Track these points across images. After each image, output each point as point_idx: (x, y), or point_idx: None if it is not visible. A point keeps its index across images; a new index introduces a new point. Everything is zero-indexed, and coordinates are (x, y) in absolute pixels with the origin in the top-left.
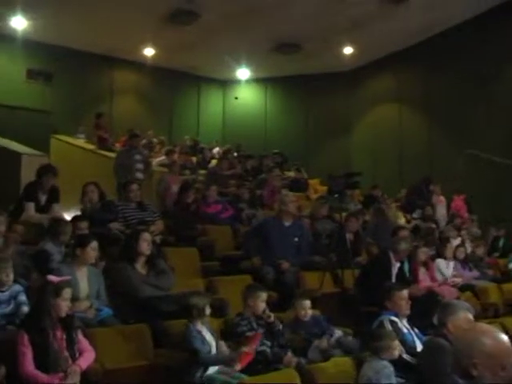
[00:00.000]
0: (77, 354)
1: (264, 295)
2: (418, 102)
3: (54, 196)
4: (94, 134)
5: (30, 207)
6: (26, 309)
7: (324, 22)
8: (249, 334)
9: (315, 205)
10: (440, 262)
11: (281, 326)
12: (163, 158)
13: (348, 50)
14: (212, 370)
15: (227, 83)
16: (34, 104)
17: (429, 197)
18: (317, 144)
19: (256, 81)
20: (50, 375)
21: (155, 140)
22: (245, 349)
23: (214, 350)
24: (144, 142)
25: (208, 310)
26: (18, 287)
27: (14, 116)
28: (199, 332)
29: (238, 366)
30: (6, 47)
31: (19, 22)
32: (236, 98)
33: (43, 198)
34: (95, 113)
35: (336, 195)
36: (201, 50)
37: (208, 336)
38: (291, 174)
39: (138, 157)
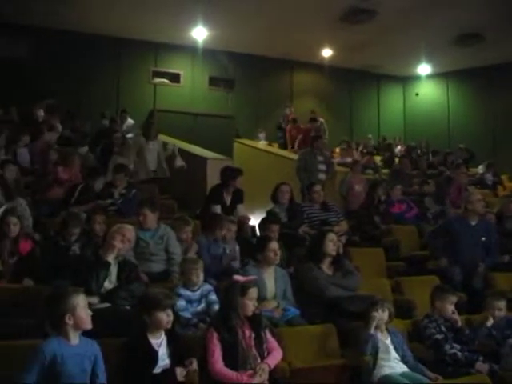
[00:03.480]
0: (265, 353)
1: (453, 298)
2: None
3: (238, 197)
4: (289, 138)
5: (217, 209)
6: (216, 307)
7: (507, 7)
8: (437, 336)
9: (504, 202)
10: None
11: (468, 331)
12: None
13: None
14: (389, 370)
15: (407, 80)
16: (217, 110)
17: None
18: (505, 138)
19: (437, 75)
20: (239, 372)
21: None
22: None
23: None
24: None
25: (381, 315)
26: (208, 286)
27: (198, 122)
28: (371, 336)
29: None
30: (188, 57)
31: (200, 33)
32: (417, 95)
33: (228, 200)
34: (292, 118)
35: None
36: (379, 48)
37: (387, 341)
38: (478, 170)
39: (320, 158)
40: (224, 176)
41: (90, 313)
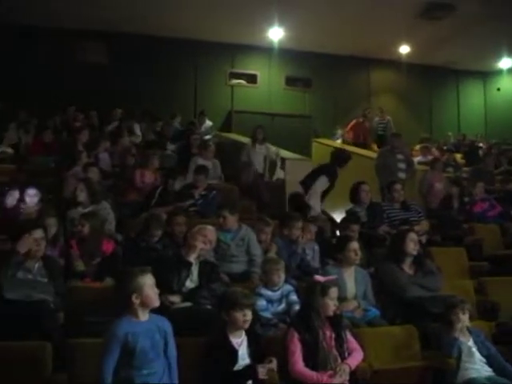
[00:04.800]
0: (346, 353)
1: None
2: None
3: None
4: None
5: (324, 182)
6: (297, 308)
7: None
8: None
9: None
10: None
11: None
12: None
13: None
14: (474, 373)
15: (488, 75)
16: (294, 110)
17: None
18: None
19: None
20: (319, 373)
21: None
22: None
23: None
24: None
25: (464, 317)
26: (288, 287)
27: (275, 123)
28: (455, 339)
29: None
30: (265, 58)
31: (276, 33)
32: (498, 90)
33: None
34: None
35: None
36: (458, 43)
37: (469, 343)
38: None
39: (399, 156)
40: (340, 157)
41: (157, 291)
